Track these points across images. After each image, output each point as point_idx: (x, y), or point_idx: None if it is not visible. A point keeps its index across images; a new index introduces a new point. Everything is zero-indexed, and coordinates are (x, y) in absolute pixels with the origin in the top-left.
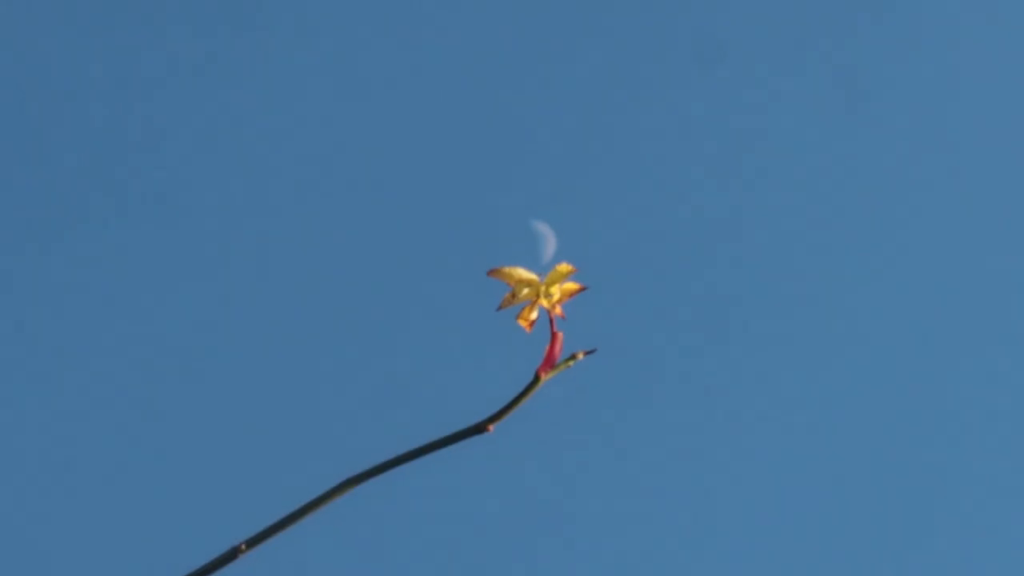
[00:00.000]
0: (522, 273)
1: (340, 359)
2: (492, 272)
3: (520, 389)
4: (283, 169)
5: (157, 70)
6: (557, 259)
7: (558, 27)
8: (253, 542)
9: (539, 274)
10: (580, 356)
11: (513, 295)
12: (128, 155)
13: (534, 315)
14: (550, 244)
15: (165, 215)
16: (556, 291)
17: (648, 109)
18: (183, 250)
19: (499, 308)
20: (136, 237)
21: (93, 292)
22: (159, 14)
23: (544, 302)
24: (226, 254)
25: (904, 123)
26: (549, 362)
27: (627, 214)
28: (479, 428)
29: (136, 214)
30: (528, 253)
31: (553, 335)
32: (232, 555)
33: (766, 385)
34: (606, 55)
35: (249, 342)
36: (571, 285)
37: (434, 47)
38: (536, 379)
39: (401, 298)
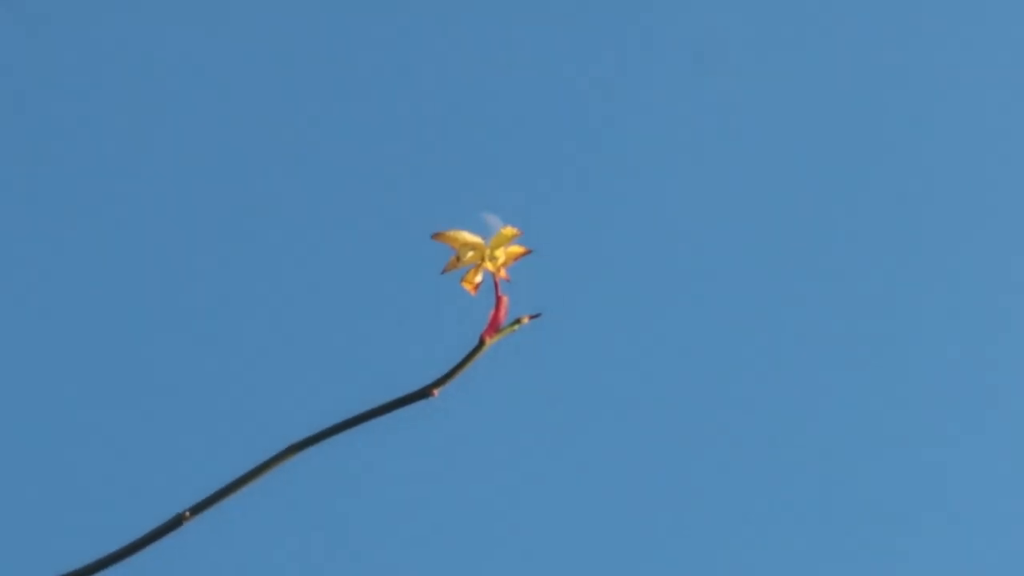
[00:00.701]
0: (467, 236)
1: (281, 322)
2: (436, 235)
3: (465, 353)
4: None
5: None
6: (501, 222)
7: None
8: (197, 509)
9: (484, 237)
10: (525, 320)
11: (458, 258)
12: None
13: (479, 279)
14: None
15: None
16: (501, 254)
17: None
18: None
19: (443, 271)
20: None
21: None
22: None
23: (489, 265)
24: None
25: None
26: (494, 326)
27: (573, 176)
28: (424, 392)
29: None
30: (473, 218)
31: (498, 299)
32: (176, 522)
33: (713, 351)
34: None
35: (192, 306)
36: (516, 248)
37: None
38: (481, 343)
39: (343, 261)
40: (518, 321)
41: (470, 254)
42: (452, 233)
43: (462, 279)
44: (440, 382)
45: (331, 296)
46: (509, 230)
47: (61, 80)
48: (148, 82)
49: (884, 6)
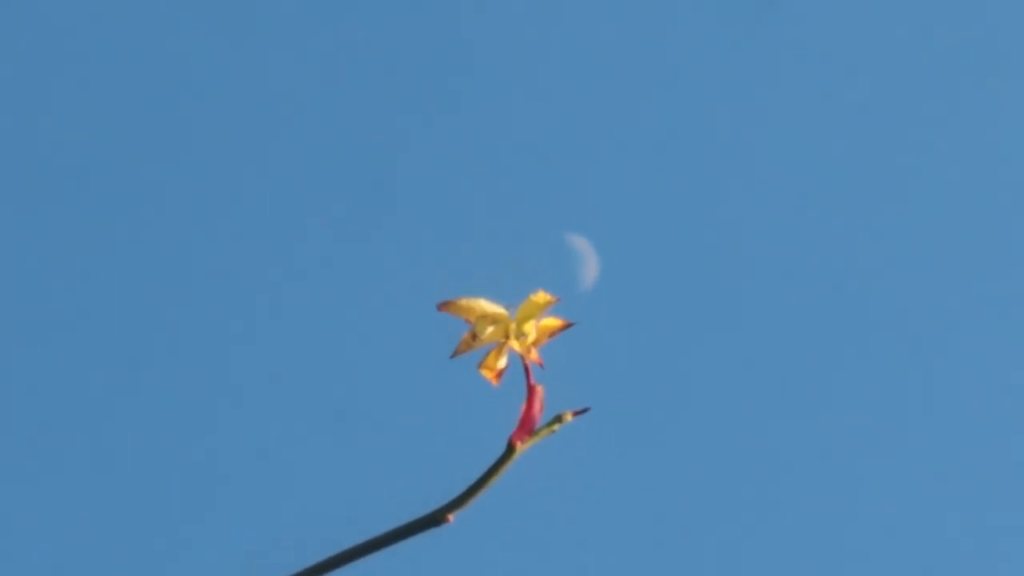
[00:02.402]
0: (485, 305)
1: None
2: (444, 305)
3: (488, 464)
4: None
5: None
6: (532, 284)
7: None
8: None
9: (508, 307)
10: (568, 418)
11: (474, 335)
12: None
13: (503, 363)
14: (589, 264)
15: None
16: (531, 329)
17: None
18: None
19: (454, 354)
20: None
21: None
22: None
23: (516, 345)
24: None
25: None
26: (526, 427)
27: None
28: (435, 519)
29: None
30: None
31: (530, 390)
32: None
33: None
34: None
35: (188, 406)
36: (552, 321)
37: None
38: (509, 450)
39: (327, 347)
40: (558, 419)
41: (490, 329)
42: (466, 301)
43: (481, 364)
44: (456, 504)
45: (314, 399)
46: (541, 296)
47: None
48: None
49: None
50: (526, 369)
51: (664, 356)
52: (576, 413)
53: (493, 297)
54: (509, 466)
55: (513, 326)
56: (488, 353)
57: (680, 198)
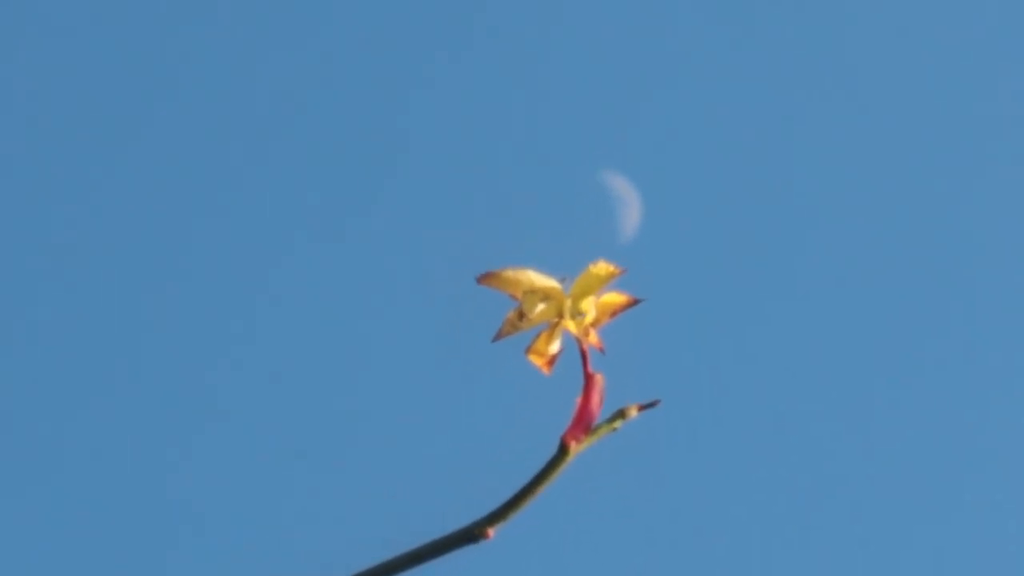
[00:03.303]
0: (534, 278)
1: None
2: (486, 277)
3: (536, 469)
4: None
5: None
6: (590, 254)
7: None
8: None
9: (562, 279)
10: (633, 413)
11: (521, 314)
12: None
13: (555, 347)
14: (631, 209)
15: None
16: (590, 307)
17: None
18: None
19: (498, 336)
20: None
21: None
22: None
23: (572, 326)
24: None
25: None
26: (582, 424)
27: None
28: (473, 534)
29: None
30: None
31: (588, 379)
32: None
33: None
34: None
35: (198, 423)
36: (615, 297)
37: None
38: (563, 451)
39: (360, 332)
40: (621, 415)
41: (541, 307)
42: (511, 273)
43: (529, 348)
44: (498, 516)
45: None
46: (602, 267)
47: None
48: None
49: None
50: (583, 354)
51: (737, 327)
52: (642, 407)
53: (544, 267)
54: (562, 470)
55: (568, 303)
56: (538, 335)
57: (735, 129)
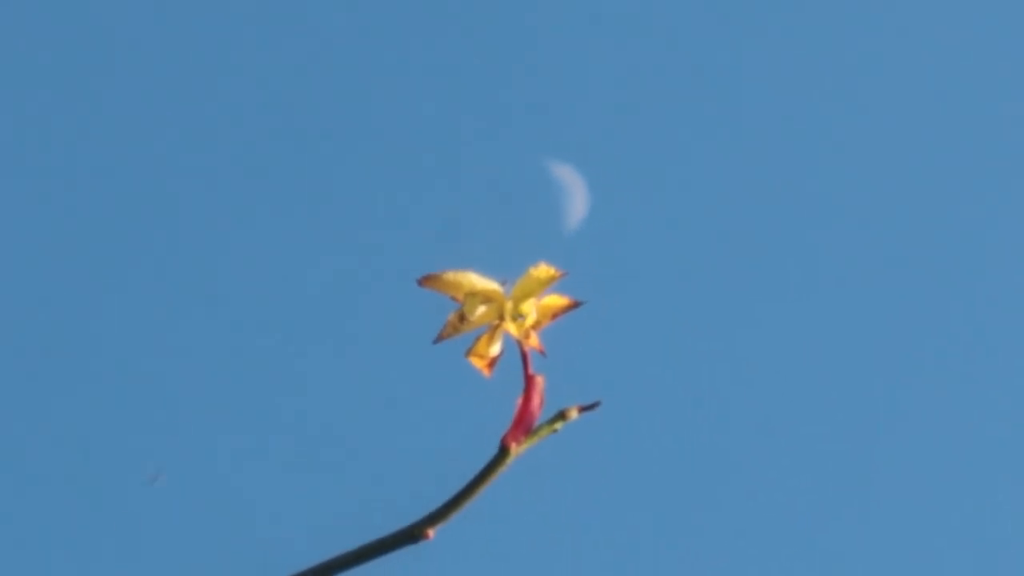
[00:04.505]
0: (475, 280)
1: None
2: (427, 280)
3: (476, 470)
4: None
5: None
6: (530, 258)
7: None
8: None
9: (503, 282)
10: (573, 415)
11: (462, 317)
12: None
13: (496, 349)
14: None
15: None
16: (531, 309)
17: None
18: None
19: (438, 339)
20: None
21: None
22: None
23: (512, 328)
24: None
25: None
26: (523, 425)
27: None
28: (412, 534)
29: None
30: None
31: (528, 381)
32: None
33: None
34: None
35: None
36: (556, 299)
37: None
38: (503, 452)
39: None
40: (561, 416)
41: (482, 309)
42: (452, 275)
43: (469, 350)
44: (437, 517)
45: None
46: (544, 270)
47: None
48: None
49: None
50: (524, 357)
51: (689, 326)
52: (583, 409)
53: (480, 269)
54: (502, 471)
55: (509, 305)
56: (479, 338)
57: (691, 113)
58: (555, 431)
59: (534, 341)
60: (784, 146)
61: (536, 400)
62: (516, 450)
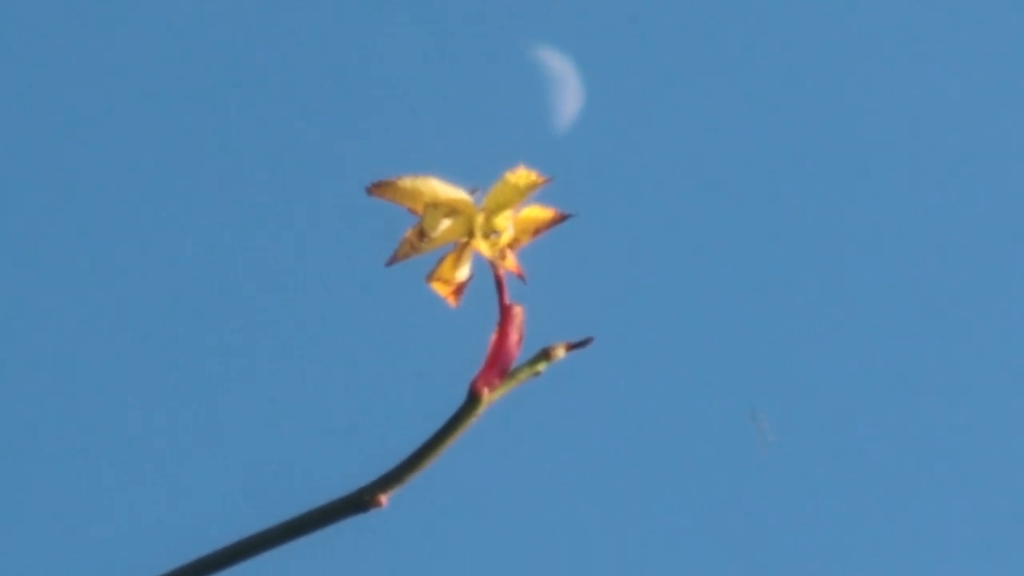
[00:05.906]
0: (437, 188)
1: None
2: (377, 188)
3: (441, 421)
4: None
5: None
6: (509, 159)
7: None
8: None
9: (473, 191)
10: (559, 354)
11: (421, 233)
12: None
13: (464, 273)
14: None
15: None
16: (507, 224)
17: None
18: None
19: (392, 260)
20: None
21: None
22: None
23: (484, 247)
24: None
25: None
26: (497, 366)
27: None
28: (362, 501)
29: None
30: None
31: (504, 312)
32: None
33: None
34: None
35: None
36: (538, 212)
37: None
38: (473, 400)
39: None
40: (545, 356)
41: (446, 223)
42: (409, 182)
43: (431, 275)
44: (391, 481)
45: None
46: (524, 175)
47: None
48: None
49: None
50: (498, 282)
51: (697, 244)
52: (571, 347)
53: (450, 176)
54: (472, 423)
55: (480, 219)
56: (443, 259)
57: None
58: (537, 374)
59: (511, 263)
60: (804, 53)
61: (513, 336)
62: (489, 397)
